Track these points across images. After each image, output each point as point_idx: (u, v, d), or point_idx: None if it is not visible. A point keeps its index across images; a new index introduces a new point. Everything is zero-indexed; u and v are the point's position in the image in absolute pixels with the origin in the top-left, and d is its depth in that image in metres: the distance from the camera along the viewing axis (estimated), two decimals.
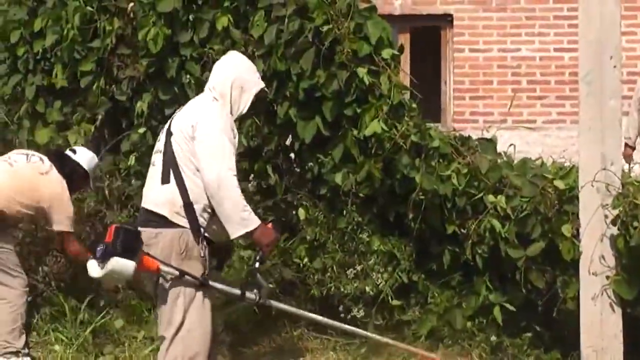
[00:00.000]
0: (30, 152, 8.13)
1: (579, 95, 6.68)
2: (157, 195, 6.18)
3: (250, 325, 8.14)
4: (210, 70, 7.64)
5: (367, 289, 7.61)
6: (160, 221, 6.10)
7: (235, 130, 6.21)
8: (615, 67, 6.57)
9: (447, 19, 13.74)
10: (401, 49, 7.92)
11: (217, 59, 7.72)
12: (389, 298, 7.60)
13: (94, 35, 8.75)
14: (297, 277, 8.06)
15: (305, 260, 7.92)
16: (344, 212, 7.80)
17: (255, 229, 5.95)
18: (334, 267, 7.76)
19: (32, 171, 7.81)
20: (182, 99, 8.14)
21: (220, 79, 6.38)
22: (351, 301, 7.72)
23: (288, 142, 8.29)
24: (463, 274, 7.56)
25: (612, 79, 6.58)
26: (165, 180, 6.14)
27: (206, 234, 6.03)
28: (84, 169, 8.04)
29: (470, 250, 7.29)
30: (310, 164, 8.11)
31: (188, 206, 6.01)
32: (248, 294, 6.14)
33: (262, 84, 6.37)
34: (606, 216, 6.51)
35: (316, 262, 7.86)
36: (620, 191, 6.51)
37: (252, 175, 8.38)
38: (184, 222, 6.02)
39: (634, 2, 12.87)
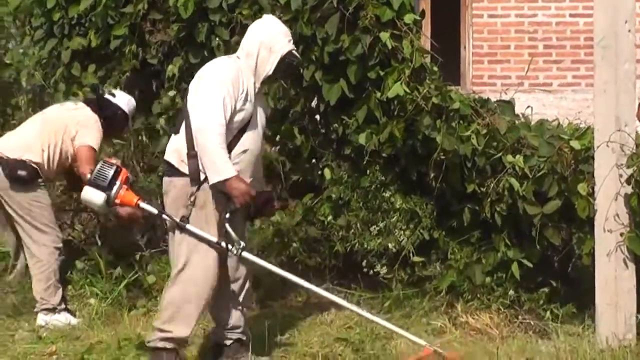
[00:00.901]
0: (68, 102, 8.35)
1: (594, 59, 6.66)
2: (170, 144, 6.36)
3: (277, 281, 8.17)
4: (238, 35, 7.72)
5: (390, 245, 7.63)
6: (171, 169, 6.27)
7: (246, 85, 6.24)
8: (629, 31, 6.54)
9: None
10: (422, 14, 7.90)
11: (246, 24, 7.81)
12: (411, 254, 7.61)
13: (127, 1, 8.76)
14: (321, 235, 8.09)
15: (330, 218, 7.95)
16: (368, 171, 7.79)
17: (228, 179, 5.97)
18: (358, 225, 7.78)
19: (61, 110, 8.04)
20: None
21: (251, 39, 6.42)
22: (374, 257, 7.74)
23: (314, 104, 8.29)
24: (482, 231, 7.54)
25: (627, 43, 6.55)
26: (177, 130, 6.30)
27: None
28: (124, 110, 8.18)
29: (489, 208, 7.29)
30: (335, 125, 8.11)
31: (191, 155, 6.09)
32: (223, 244, 6.18)
33: (291, 47, 6.38)
34: (620, 175, 6.50)
35: (340, 219, 7.88)
36: (634, 151, 6.49)
37: (278, 137, 8.39)
38: (186, 170, 6.14)
39: None
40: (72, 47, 9.08)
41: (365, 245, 7.72)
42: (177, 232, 6.22)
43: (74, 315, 7.87)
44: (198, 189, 6.12)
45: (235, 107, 6.14)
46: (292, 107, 8.25)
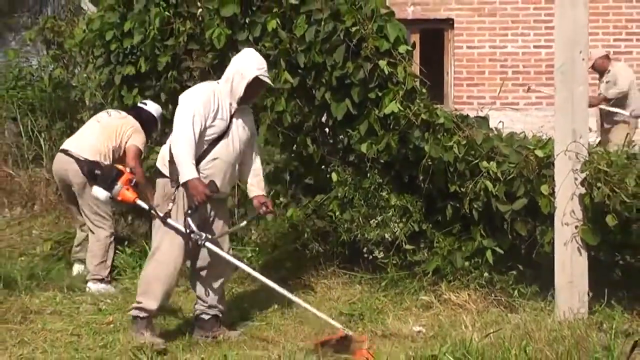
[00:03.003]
0: (110, 110, 8.74)
1: (555, 82, 6.67)
2: (160, 153, 6.56)
3: (293, 263, 8.19)
4: None
5: (386, 235, 7.61)
6: (157, 172, 6.47)
7: (219, 104, 6.30)
8: (583, 59, 6.56)
9: (449, 23, 13.72)
10: (413, 46, 7.90)
11: (268, 54, 7.85)
12: (403, 243, 7.59)
13: (170, 34, 8.77)
14: (330, 227, 8.09)
15: (337, 213, 7.94)
16: (368, 175, 7.78)
17: (188, 181, 6.05)
18: (360, 219, 7.76)
19: (113, 119, 8.38)
20: None
21: (230, 67, 6.52)
22: (373, 245, 7.73)
23: (324, 119, 8.29)
24: (462, 224, 7.53)
25: (581, 69, 6.57)
26: (165, 141, 6.48)
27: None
28: (154, 115, 8.59)
29: (468, 205, 7.29)
30: (341, 136, 8.14)
31: (171, 161, 6.20)
32: (193, 236, 6.22)
33: (258, 73, 6.35)
34: (576, 179, 6.52)
35: (346, 214, 7.86)
36: (587, 159, 6.51)
37: (294, 146, 8.40)
38: (167, 172, 6.29)
39: (595, 9, 12.81)
40: (125, 73, 9.11)
41: (366, 235, 7.70)
42: (156, 221, 6.38)
43: (114, 287, 8.10)
44: (177, 188, 6.23)
45: (205, 124, 6.22)
46: (305, 122, 8.23)
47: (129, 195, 6.67)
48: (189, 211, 6.19)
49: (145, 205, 6.65)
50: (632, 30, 13.45)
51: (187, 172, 6.06)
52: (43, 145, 12.13)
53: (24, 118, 12.82)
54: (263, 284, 6.55)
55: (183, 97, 6.36)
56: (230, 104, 6.39)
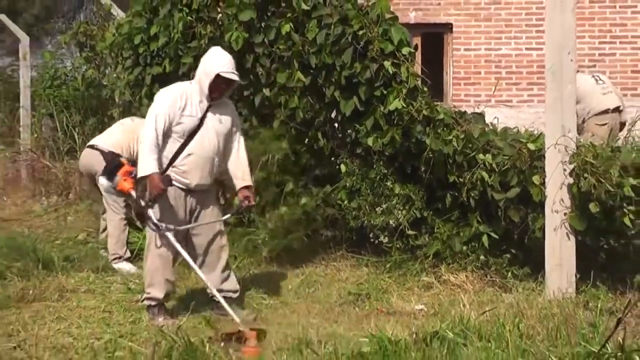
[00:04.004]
0: (134, 117, 8.88)
1: (545, 81, 6.63)
2: None
3: (304, 248, 8.19)
4: (277, 63, 7.72)
5: (391, 222, 7.60)
6: None
7: (186, 102, 6.20)
8: (572, 60, 6.53)
9: (448, 27, 13.64)
10: (415, 48, 7.87)
11: (282, 55, 7.84)
12: (406, 229, 7.58)
13: (192, 37, 8.77)
14: (339, 214, 8.08)
15: (345, 201, 7.94)
16: (374, 166, 7.79)
17: (145, 176, 6.03)
18: (366, 206, 7.76)
19: (136, 124, 8.29)
20: (255, 84, 8.24)
21: (199, 67, 6.40)
22: (379, 230, 7.72)
23: (333, 115, 8.29)
24: (460, 211, 7.52)
25: (570, 70, 6.54)
26: None
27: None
28: None
29: (466, 194, 7.28)
30: (350, 131, 8.13)
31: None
32: (151, 226, 6.19)
33: (219, 70, 6.20)
34: (565, 170, 6.49)
35: (353, 202, 7.87)
36: (575, 152, 6.49)
37: (307, 140, 8.39)
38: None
39: (582, 14, 12.77)
40: (152, 73, 9.13)
41: (372, 222, 7.70)
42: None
43: (138, 268, 8.00)
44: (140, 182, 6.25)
45: (171, 121, 6.13)
46: (316, 117, 8.22)
47: (126, 185, 6.67)
48: (149, 203, 6.14)
49: (134, 196, 6.58)
50: (615, 34, 13.40)
51: (145, 167, 6.02)
52: (77, 139, 12.19)
53: (60, 114, 12.89)
54: (271, 270, 6.50)
55: (155, 98, 6.34)
56: (201, 101, 6.26)
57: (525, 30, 13.47)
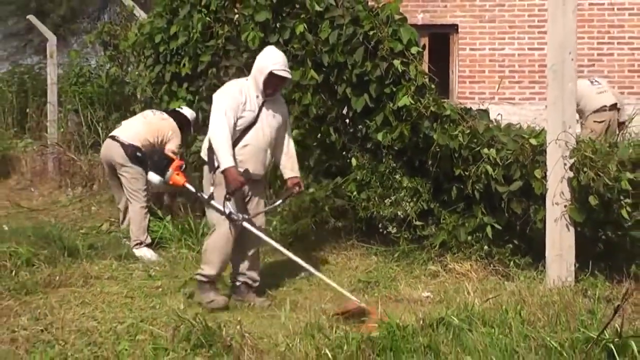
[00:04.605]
0: (155, 110, 8.89)
1: (547, 80, 6.60)
2: (203, 143, 6.55)
3: (317, 236, 8.19)
4: (291, 61, 7.72)
5: (399, 213, 7.59)
6: (201, 160, 6.52)
7: (246, 97, 6.30)
8: (572, 60, 6.49)
9: (454, 28, 13.63)
10: (423, 47, 7.86)
11: (297, 54, 7.83)
12: (414, 219, 7.57)
13: (210, 37, 8.79)
14: (349, 205, 8.08)
15: (355, 193, 7.93)
16: (383, 160, 7.77)
17: (225, 169, 6.05)
18: (376, 198, 7.75)
19: (157, 119, 8.52)
20: None
21: (254, 65, 6.48)
22: (387, 221, 7.71)
23: (345, 111, 8.28)
24: (465, 203, 7.49)
25: (570, 69, 6.50)
26: (206, 133, 6.45)
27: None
28: (189, 119, 8.79)
29: (471, 187, 7.25)
30: (360, 126, 8.11)
31: (210, 149, 6.23)
32: (232, 217, 6.23)
33: (273, 68, 6.30)
34: (565, 164, 6.46)
35: (363, 194, 7.85)
36: (575, 147, 6.46)
37: (319, 135, 8.38)
38: (207, 159, 6.32)
39: (582, 16, 12.72)
40: (172, 71, 9.14)
41: (381, 213, 7.68)
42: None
43: (160, 256, 8.12)
44: (214, 173, 6.25)
45: (236, 115, 6.22)
46: (329, 113, 8.23)
47: (179, 179, 6.84)
48: (227, 195, 6.18)
49: (192, 189, 6.77)
50: (613, 35, 13.37)
51: (224, 161, 6.07)
52: (101, 133, 12.24)
53: (84, 110, 12.96)
54: (285, 259, 6.53)
55: (216, 95, 6.36)
56: (258, 97, 6.37)
57: (528, 31, 13.45)
